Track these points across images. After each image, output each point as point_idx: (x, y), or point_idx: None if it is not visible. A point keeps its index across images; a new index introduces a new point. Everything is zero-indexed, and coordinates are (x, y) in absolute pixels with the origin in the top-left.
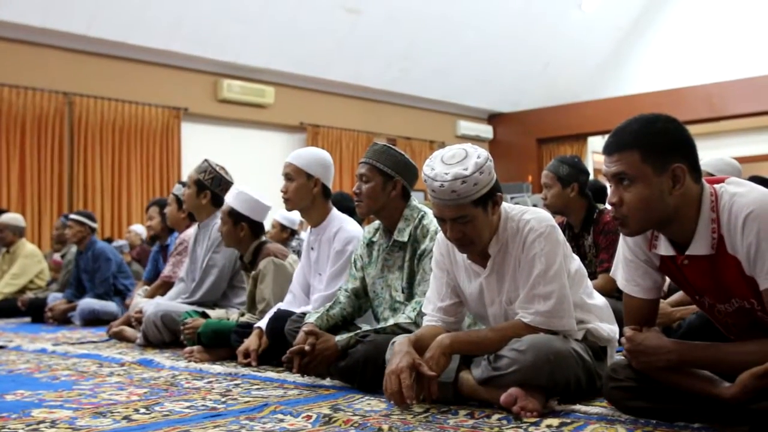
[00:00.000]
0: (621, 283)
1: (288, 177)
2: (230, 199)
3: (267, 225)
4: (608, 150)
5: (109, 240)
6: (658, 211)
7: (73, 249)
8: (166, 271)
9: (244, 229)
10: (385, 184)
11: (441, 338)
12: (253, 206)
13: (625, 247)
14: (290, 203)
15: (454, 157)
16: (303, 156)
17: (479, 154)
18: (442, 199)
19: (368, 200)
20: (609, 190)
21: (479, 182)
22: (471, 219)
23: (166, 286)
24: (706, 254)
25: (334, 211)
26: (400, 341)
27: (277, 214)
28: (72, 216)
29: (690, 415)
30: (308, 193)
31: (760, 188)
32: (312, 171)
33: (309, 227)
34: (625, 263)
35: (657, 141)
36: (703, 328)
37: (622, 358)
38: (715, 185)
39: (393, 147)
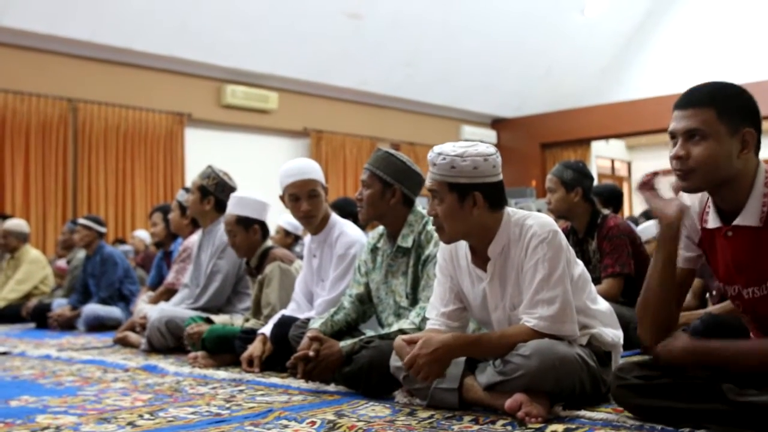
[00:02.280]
0: None
1: (314, 194)
2: (235, 209)
3: (271, 230)
4: (681, 105)
5: (121, 241)
6: (723, 171)
7: (80, 254)
8: (170, 277)
9: (257, 232)
10: (384, 192)
11: (445, 336)
12: (257, 207)
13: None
14: (315, 220)
15: (466, 143)
16: (316, 170)
17: (480, 149)
18: (429, 170)
19: (368, 207)
20: (673, 147)
21: (457, 167)
22: (442, 200)
23: (170, 293)
24: (753, 225)
25: (333, 215)
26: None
27: (281, 219)
28: (80, 220)
29: (696, 415)
30: (323, 204)
31: None
32: (323, 182)
33: (309, 234)
34: None
35: (734, 103)
36: (708, 334)
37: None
38: None
39: (395, 154)
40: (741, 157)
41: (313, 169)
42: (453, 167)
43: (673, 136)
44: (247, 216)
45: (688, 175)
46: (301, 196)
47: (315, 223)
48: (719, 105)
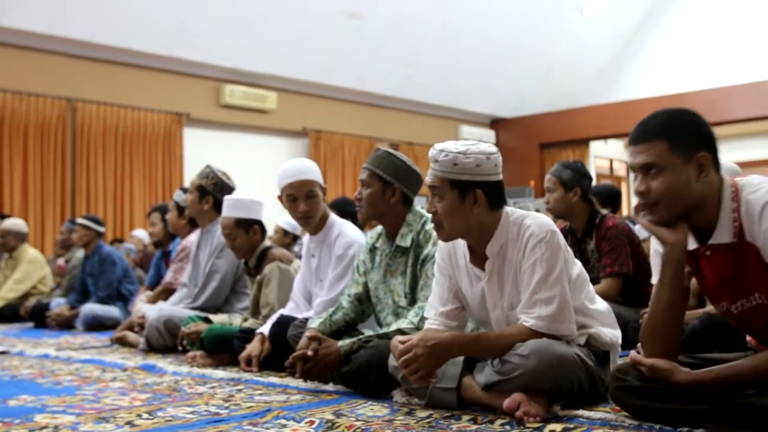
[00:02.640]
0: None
1: (312, 195)
2: (233, 212)
3: (270, 230)
4: (635, 141)
5: (119, 240)
6: (686, 198)
7: (78, 254)
8: (168, 277)
9: (257, 232)
10: (384, 191)
11: (443, 335)
12: (253, 206)
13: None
14: (312, 220)
15: (468, 141)
16: (314, 170)
17: (482, 147)
18: (430, 166)
19: (368, 206)
20: (634, 181)
21: (460, 164)
22: (443, 197)
23: (168, 293)
24: (728, 242)
25: (332, 216)
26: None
27: (280, 219)
28: (79, 220)
29: (695, 416)
30: (321, 204)
31: None
32: (321, 182)
33: (307, 234)
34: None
35: (684, 131)
36: (707, 334)
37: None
38: (736, 178)
39: (394, 153)
40: (700, 181)
41: (310, 170)
42: (455, 164)
43: (634, 170)
44: (246, 217)
45: (654, 209)
46: (298, 197)
47: (313, 223)
48: (670, 136)
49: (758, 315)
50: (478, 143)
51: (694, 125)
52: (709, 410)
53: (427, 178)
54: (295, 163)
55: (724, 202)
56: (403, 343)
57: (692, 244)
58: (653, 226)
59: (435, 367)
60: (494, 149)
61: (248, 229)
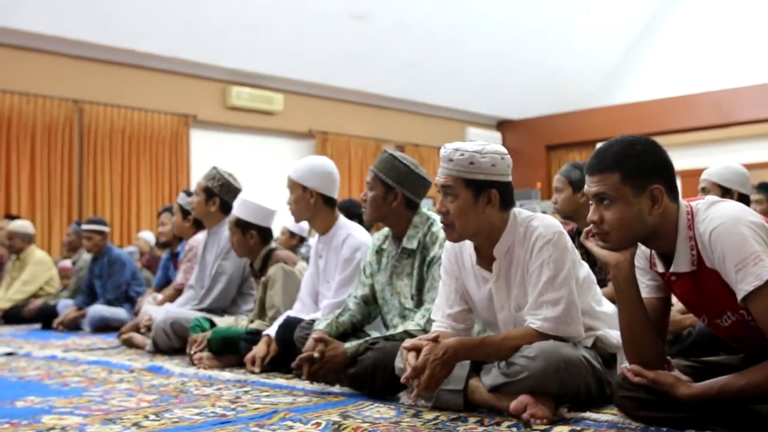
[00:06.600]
0: None
1: (290, 190)
2: (237, 211)
3: (276, 232)
4: (590, 170)
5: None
6: (638, 229)
7: (86, 255)
8: (179, 277)
9: (254, 237)
10: (386, 195)
11: (449, 341)
12: (258, 212)
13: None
14: (294, 215)
15: (479, 142)
16: (298, 168)
17: (497, 147)
18: (441, 165)
19: (371, 208)
20: (591, 208)
21: (476, 163)
22: (456, 196)
23: (180, 293)
24: (689, 271)
25: (341, 218)
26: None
27: (286, 220)
28: (86, 227)
29: (702, 423)
30: (306, 205)
31: (732, 205)
32: (306, 182)
33: (316, 235)
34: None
35: (636, 163)
36: (713, 335)
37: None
38: (692, 203)
39: (399, 157)
40: (653, 213)
41: (302, 168)
42: (472, 163)
43: (589, 198)
44: (246, 220)
45: (606, 237)
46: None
47: (295, 218)
48: (622, 169)
49: (739, 327)
50: (489, 144)
51: (647, 157)
52: (716, 416)
53: (439, 178)
54: (303, 160)
55: (680, 232)
56: (409, 349)
57: (661, 267)
58: (598, 249)
59: (446, 376)
60: (505, 150)
61: (245, 232)
